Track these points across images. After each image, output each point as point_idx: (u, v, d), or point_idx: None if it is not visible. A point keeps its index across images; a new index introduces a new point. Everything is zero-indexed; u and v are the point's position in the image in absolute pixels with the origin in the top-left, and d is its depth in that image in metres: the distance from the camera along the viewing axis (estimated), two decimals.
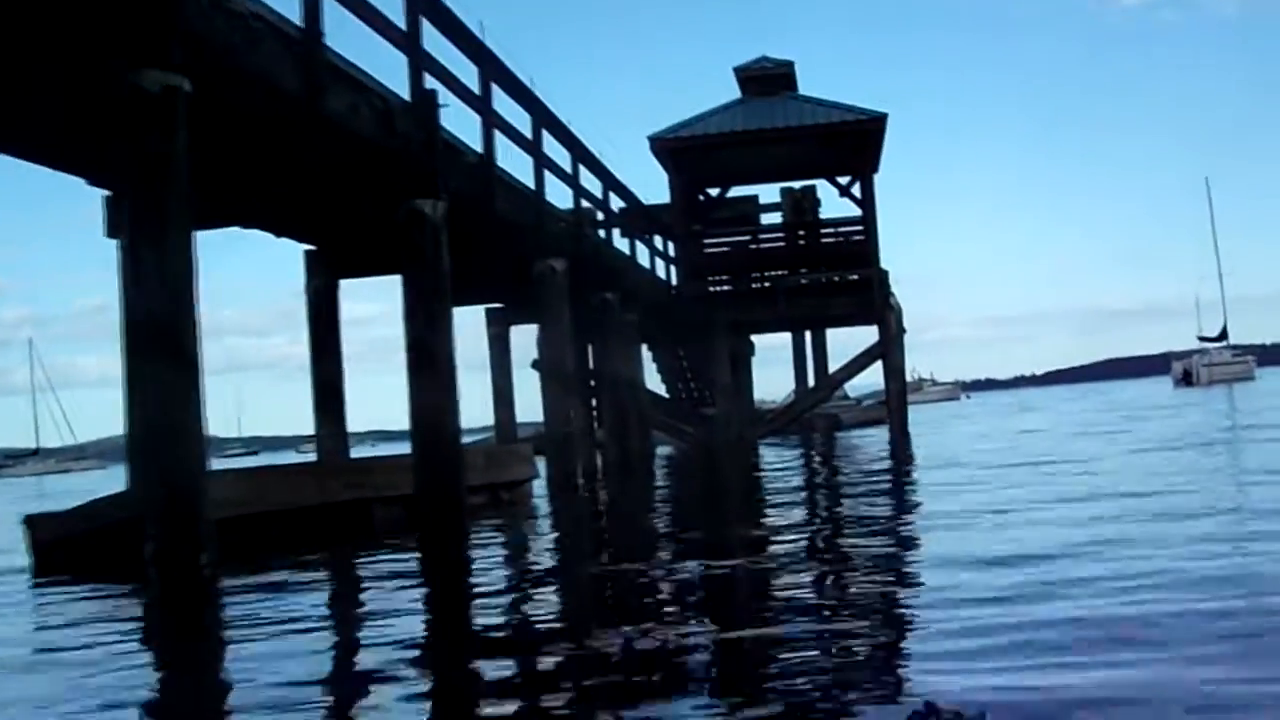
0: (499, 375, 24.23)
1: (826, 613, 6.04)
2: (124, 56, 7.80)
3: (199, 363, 7.79)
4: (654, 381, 34.65)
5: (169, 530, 7.62)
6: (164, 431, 7.65)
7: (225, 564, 8.74)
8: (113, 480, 16.04)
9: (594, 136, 22.16)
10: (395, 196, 11.85)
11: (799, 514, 11.72)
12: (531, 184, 16.73)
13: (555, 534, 12.00)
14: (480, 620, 6.81)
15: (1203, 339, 76.62)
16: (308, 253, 16.55)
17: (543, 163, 17.00)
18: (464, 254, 16.63)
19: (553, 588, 7.96)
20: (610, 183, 21.62)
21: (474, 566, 9.44)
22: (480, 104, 14.40)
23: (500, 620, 6.65)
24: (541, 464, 16.59)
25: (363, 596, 8.09)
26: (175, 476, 7.66)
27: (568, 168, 19.03)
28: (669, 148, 30.41)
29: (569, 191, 19.38)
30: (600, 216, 23.33)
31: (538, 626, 6.33)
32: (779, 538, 9.38)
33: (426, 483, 11.61)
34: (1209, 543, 7.19)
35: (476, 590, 8.06)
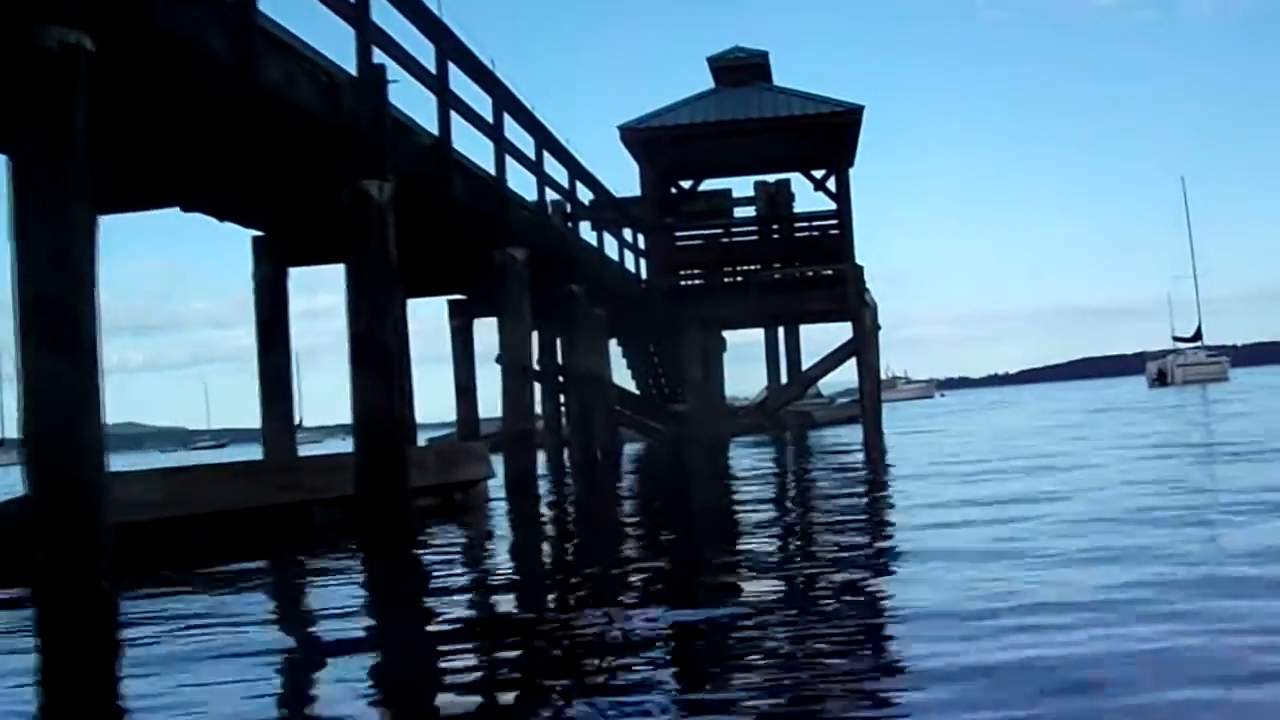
0: (461, 369, 23.34)
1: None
2: (20, 10, 7.01)
3: (98, 353, 7.00)
4: (625, 378, 34.06)
5: (62, 538, 6.84)
6: (58, 428, 6.86)
7: (135, 573, 7.97)
8: None
9: (562, 126, 21.39)
10: (340, 177, 11.07)
11: (773, 535, 10.93)
12: (492, 170, 15.99)
13: (501, 548, 11.16)
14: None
15: (1178, 339, 76.69)
16: (255, 239, 15.74)
17: (504, 148, 16.23)
18: (418, 241, 15.86)
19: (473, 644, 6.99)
20: (577, 171, 20.87)
21: (405, 588, 8.68)
22: (436, 83, 13.62)
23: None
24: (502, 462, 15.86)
25: (266, 619, 7.25)
26: (70, 478, 6.88)
27: (531, 154, 18.28)
28: (640, 138, 29.65)
29: (533, 180, 18.64)
30: (568, 209, 22.65)
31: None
32: (752, 573, 8.19)
33: (369, 484, 10.83)
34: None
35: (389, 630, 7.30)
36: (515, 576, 8.67)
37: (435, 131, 13.68)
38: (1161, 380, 70.27)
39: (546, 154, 18.97)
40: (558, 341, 25.57)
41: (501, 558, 10.12)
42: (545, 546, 10.89)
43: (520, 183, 18.28)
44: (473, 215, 14.90)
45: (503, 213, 15.71)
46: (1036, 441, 21.45)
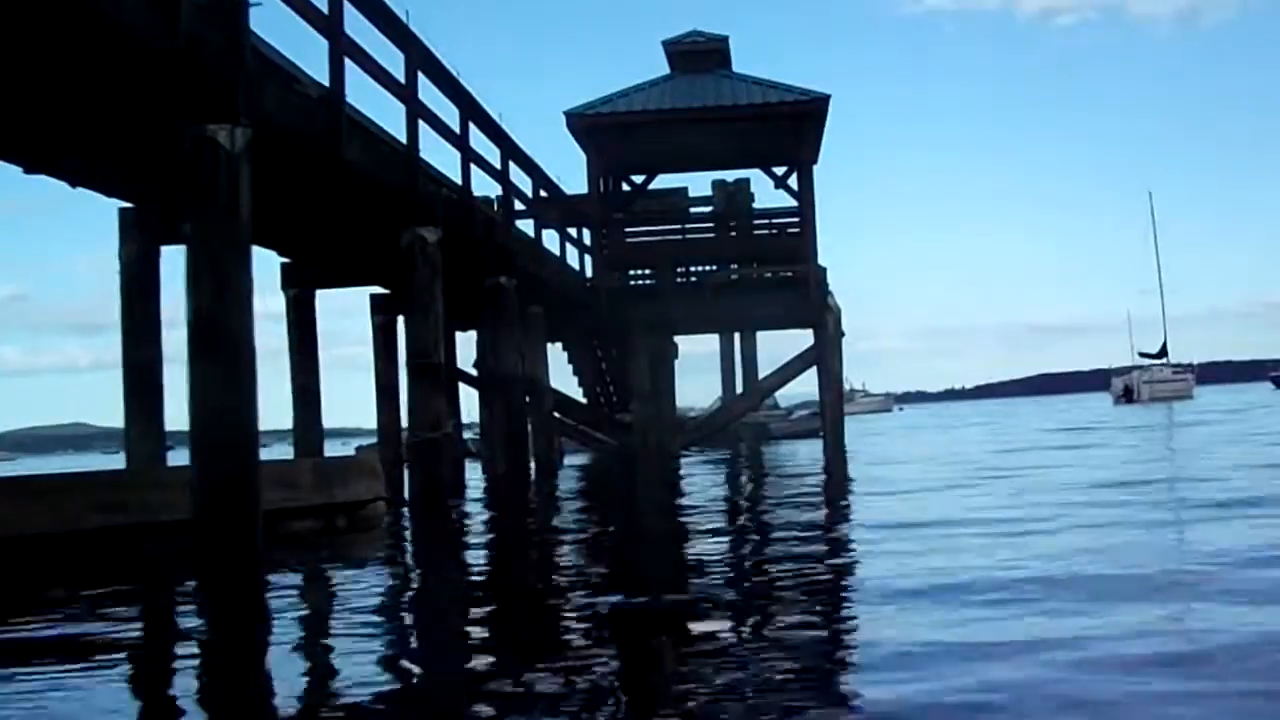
0: (383, 371, 20.96)
1: None
2: None
3: None
4: (570, 385, 31.79)
5: None
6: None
7: None
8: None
9: (506, 112, 19.08)
10: (182, 118, 8.81)
11: (719, 572, 8.66)
12: (404, 138, 13.75)
13: (367, 592, 8.77)
14: None
15: (1144, 355, 75.50)
16: (122, 211, 13.49)
17: (418, 112, 13.98)
18: (308, 214, 13.64)
19: None
20: (509, 149, 18.57)
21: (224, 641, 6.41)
22: (326, 24, 11.37)
23: None
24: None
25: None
26: None
27: (455, 126, 16.04)
28: (587, 125, 27.40)
29: (458, 158, 16.40)
30: (499, 204, 20.37)
31: None
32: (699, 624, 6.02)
33: (209, 505, 8.55)
34: None
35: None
36: (361, 641, 6.38)
37: (325, 81, 11.45)
38: (1128, 397, 68.97)
39: (474, 127, 16.73)
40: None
41: (363, 603, 7.83)
42: (424, 588, 8.61)
43: (443, 159, 16.09)
44: (372, 185, 12.66)
45: (411, 186, 13.45)
46: (1000, 475, 19.36)
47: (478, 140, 17.11)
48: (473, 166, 16.77)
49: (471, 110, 16.51)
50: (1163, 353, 75.18)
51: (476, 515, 14.33)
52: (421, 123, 14.15)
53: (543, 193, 22.06)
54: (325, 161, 11.54)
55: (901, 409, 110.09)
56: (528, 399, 21.58)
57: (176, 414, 11.59)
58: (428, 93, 14.74)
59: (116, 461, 15.62)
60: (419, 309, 13.38)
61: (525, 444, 18.41)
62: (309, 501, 10.65)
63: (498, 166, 18.30)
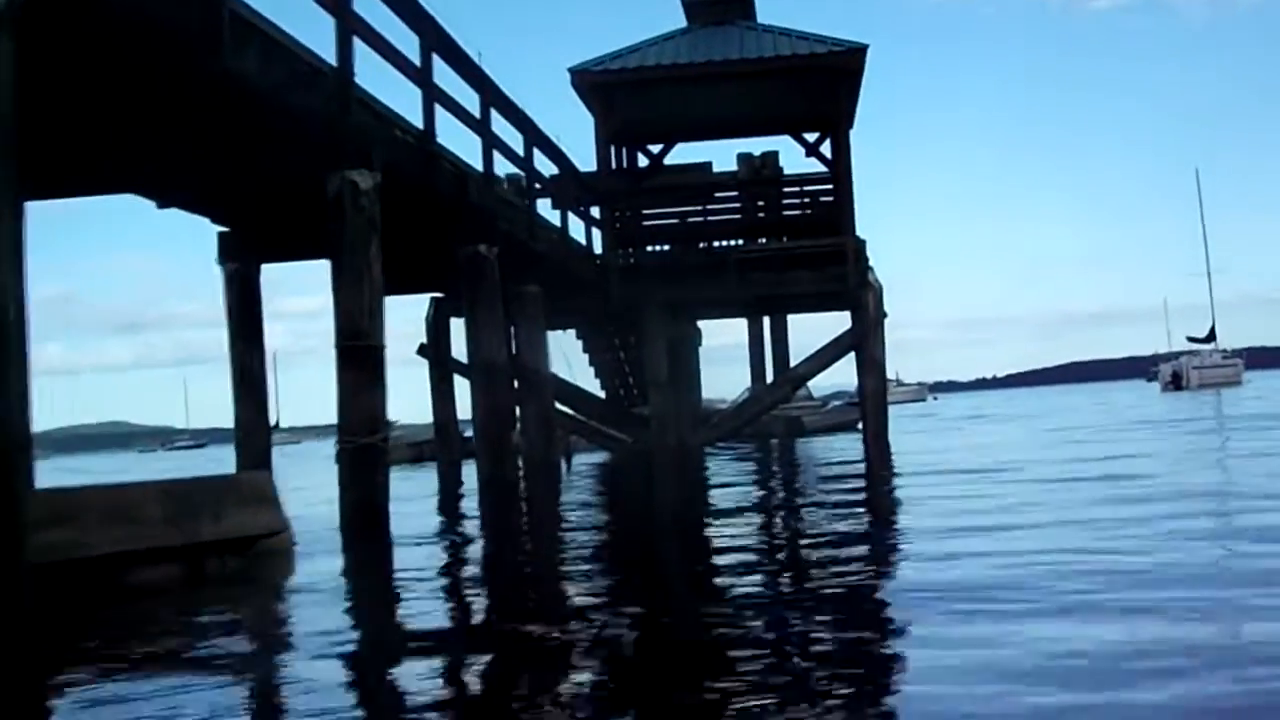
0: None
1: None
2: None
3: None
4: (589, 379, 28.70)
5: None
6: None
7: None
8: None
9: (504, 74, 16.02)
10: None
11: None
12: (336, 62, 10.68)
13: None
14: None
15: (1192, 339, 72.42)
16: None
17: (350, 25, 10.87)
18: (195, 151, 10.57)
19: None
20: (479, 80, 15.33)
21: None
22: None
23: None
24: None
25: None
26: None
27: (416, 58, 12.93)
28: (595, 82, 24.25)
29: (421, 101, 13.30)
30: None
31: None
32: None
33: None
34: None
35: None
36: None
37: None
38: (1176, 384, 65.51)
39: (437, 58, 13.62)
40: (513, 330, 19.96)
41: None
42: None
43: (403, 100, 13.03)
44: (276, 110, 9.57)
45: (337, 116, 10.34)
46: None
47: (455, 85, 14.10)
48: (440, 110, 13.68)
49: (436, 38, 13.39)
50: (1211, 336, 71.93)
51: (436, 542, 11.21)
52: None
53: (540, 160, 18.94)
54: (200, 71, 8.47)
55: (936, 398, 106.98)
56: (529, 391, 18.62)
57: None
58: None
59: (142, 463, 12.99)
60: (349, 274, 10.22)
61: (508, 444, 15.25)
62: (160, 541, 7.56)
63: (476, 115, 15.20)
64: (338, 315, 10.35)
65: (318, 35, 10.42)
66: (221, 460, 23.69)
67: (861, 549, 8.81)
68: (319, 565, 8.85)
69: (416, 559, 9.46)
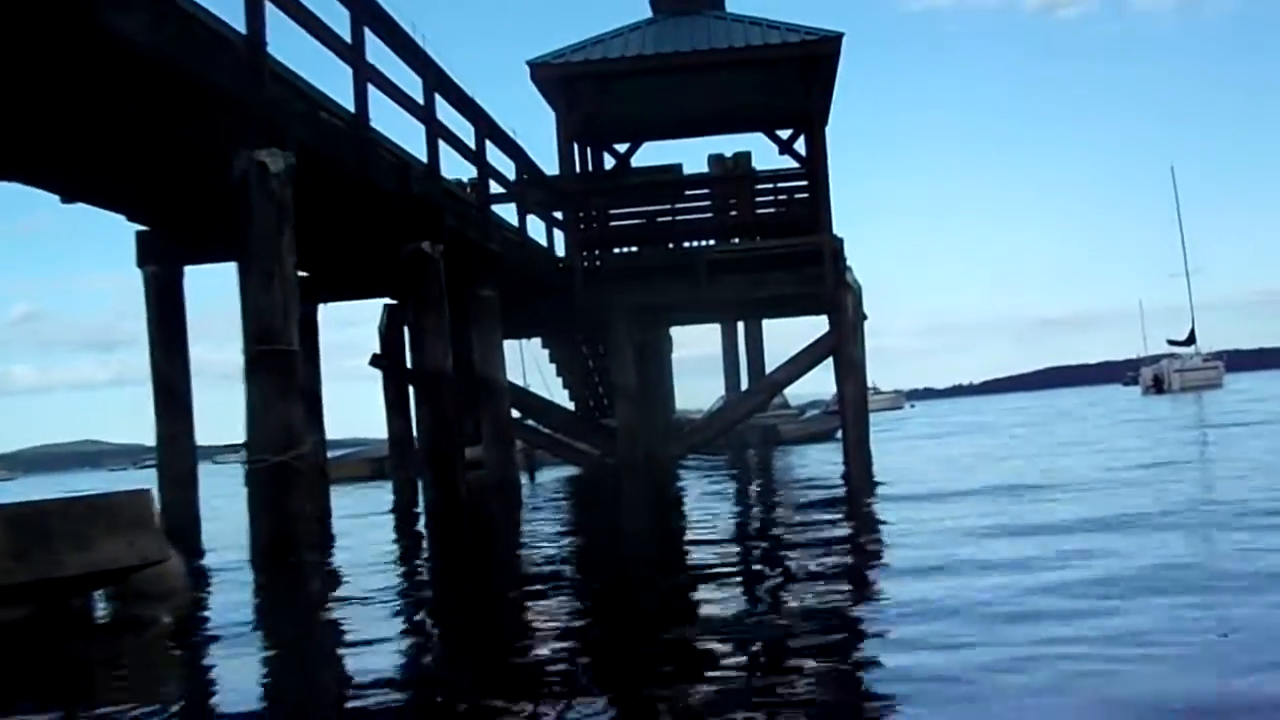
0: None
1: None
2: None
3: None
4: (558, 390, 27.34)
5: None
6: None
7: None
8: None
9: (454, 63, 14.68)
10: None
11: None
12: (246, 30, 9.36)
13: None
14: None
15: (1172, 342, 72.03)
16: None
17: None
18: (80, 127, 9.27)
19: None
20: (421, 61, 13.99)
21: None
22: None
23: None
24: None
25: None
26: None
27: (347, 36, 11.60)
28: (555, 76, 22.93)
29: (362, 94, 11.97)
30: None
31: None
32: None
33: None
34: None
35: None
36: None
37: None
38: (1158, 387, 64.97)
39: (370, 33, 12.31)
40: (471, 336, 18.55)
41: None
42: None
43: (333, 80, 11.72)
44: (168, 77, 8.26)
45: (245, 89, 9.02)
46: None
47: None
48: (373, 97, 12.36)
49: (369, 15, 12.09)
50: (1191, 339, 71.33)
51: (367, 572, 9.86)
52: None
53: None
54: (72, 29, 7.16)
55: (913, 406, 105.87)
56: (485, 403, 17.32)
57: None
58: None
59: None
60: (257, 269, 8.89)
61: (457, 460, 13.89)
62: (1, 578, 6.20)
63: (420, 100, 13.89)
64: (246, 315, 9.01)
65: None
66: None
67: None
68: (216, 600, 7.52)
69: (334, 596, 8.12)
